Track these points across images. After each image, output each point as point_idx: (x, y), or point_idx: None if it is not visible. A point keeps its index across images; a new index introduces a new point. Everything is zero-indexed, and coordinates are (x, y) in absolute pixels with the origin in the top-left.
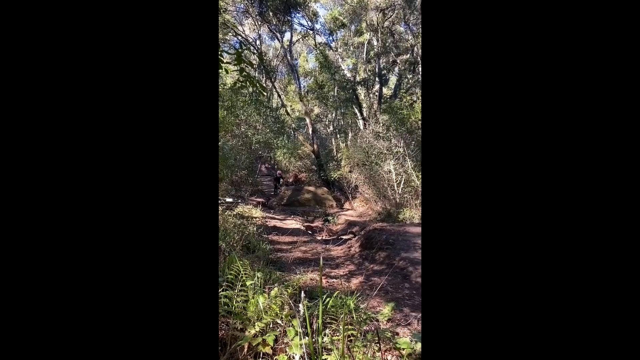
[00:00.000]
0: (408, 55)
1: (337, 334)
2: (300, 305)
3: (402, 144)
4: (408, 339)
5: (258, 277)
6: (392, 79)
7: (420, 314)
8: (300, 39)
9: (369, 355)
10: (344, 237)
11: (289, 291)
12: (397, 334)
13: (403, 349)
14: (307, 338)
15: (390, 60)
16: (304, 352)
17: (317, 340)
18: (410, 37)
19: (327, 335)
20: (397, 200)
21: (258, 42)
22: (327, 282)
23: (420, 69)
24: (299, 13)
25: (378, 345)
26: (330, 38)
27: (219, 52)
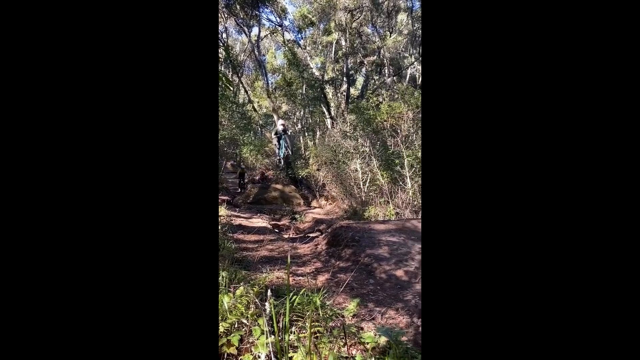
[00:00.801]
0: (375, 57)
1: (304, 332)
2: (267, 303)
3: (368, 144)
4: (372, 333)
5: (223, 277)
6: (360, 80)
7: (384, 308)
8: (269, 35)
9: (334, 350)
10: (311, 235)
11: (255, 290)
12: (362, 328)
13: (367, 343)
14: (273, 337)
15: (358, 61)
16: (269, 351)
17: (284, 338)
18: (377, 40)
19: (294, 333)
20: (363, 198)
21: (224, 35)
22: (294, 280)
23: (386, 70)
24: (267, 8)
25: (344, 340)
26: (299, 35)
27: None
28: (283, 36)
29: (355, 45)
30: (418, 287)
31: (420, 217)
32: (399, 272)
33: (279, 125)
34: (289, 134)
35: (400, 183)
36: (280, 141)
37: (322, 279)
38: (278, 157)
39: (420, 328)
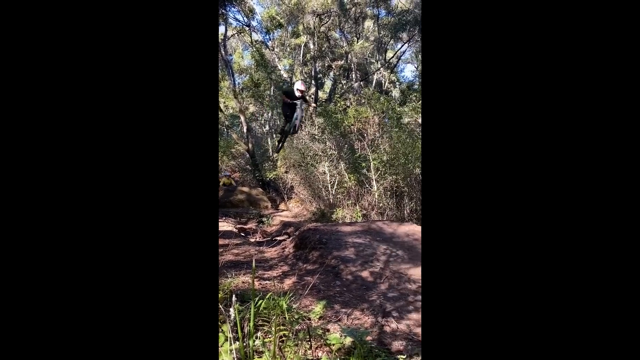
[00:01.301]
0: (342, 62)
1: (269, 336)
2: (231, 309)
3: (336, 147)
4: (338, 335)
5: None
6: (328, 83)
7: (350, 309)
8: (236, 34)
9: (300, 354)
10: (278, 238)
11: (220, 295)
12: (328, 330)
13: (333, 344)
14: (237, 343)
15: (326, 64)
16: (234, 357)
17: (249, 343)
18: (344, 44)
19: (259, 338)
20: (331, 200)
21: None
22: (260, 284)
23: (353, 75)
24: (234, 7)
25: (309, 343)
26: (267, 37)
27: None
28: (251, 36)
29: (323, 49)
30: (383, 287)
31: (385, 219)
32: (365, 273)
33: (298, 88)
34: (307, 99)
35: (367, 186)
36: (297, 109)
37: (289, 282)
38: (287, 127)
39: (384, 327)
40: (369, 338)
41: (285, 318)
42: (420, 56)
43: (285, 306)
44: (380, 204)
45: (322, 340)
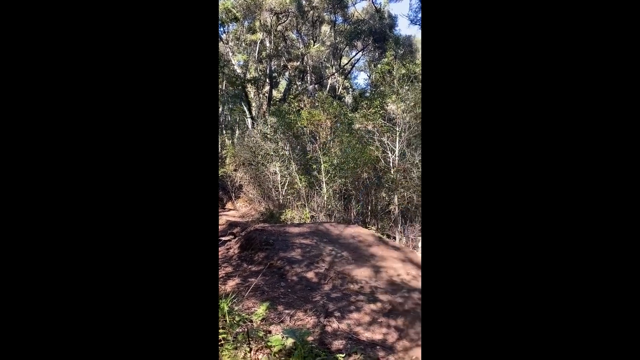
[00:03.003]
0: (298, 63)
1: None
2: None
3: (288, 147)
4: (279, 336)
5: None
6: (283, 83)
7: (294, 310)
8: None
9: (240, 356)
10: (224, 238)
11: None
12: (270, 332)
13: (274, 346)
14: None
15: (282, 64)
16: None
17: None
18: (301, 46)
19: None
20: (281, 201)
21: None
22: None
23: (308, 78)
24: None
25: (249, 346)
26: (222, 29)
27: None
28: None
29: (279, 48)
30: (327, 288)
31: (332, 220)
32: (310, 274)
33: None
34: None
35: (317, 187)
36: None
37: (232, 283)
38: None
39: (326, 327)
40: (310, 338)
41: (225, 321)
42: (372, 65)
43: (226, 308)
44: (329, 206)
45: (262, 343)
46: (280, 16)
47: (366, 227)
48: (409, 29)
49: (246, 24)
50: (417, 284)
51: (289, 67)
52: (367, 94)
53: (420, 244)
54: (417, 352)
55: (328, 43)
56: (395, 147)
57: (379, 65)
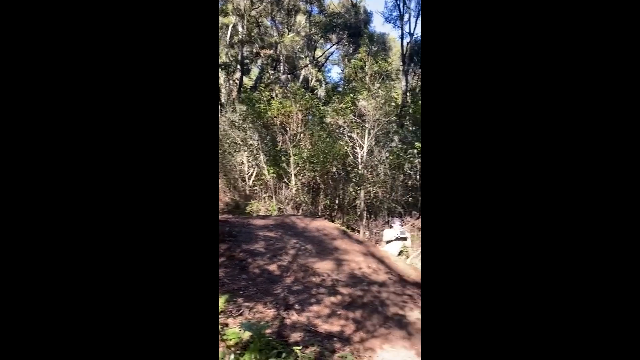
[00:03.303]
0: (271, 51)
1: None
2: None
3: (257, 137)
4: (237, 329)
5: None
6: (255, 71)
7: (253, 303)
8: None
9: None
10: None
11: None
12: (227, 325)
13: (230, 340)
14: None
15: (254, 51)
16: None
17: None
18: (275, 34)
19: None
20: (247, 192)
21: None
22: None
23: (281, 67)
24: None
25: None
26: None
27: None
28: None
29: (253, 34)
30: (288, 280)
31: (300, 213)
32: (272, 267)
33: None
34: None
35: (285, 180)
36: None
37: None
38: None
39: (285, 320)
40: (268, 331)
41: None
42: (346, 60)
43: None
44: (297, 199)
45: (219, 336)
46: (254, 0)
47: (332, 221)
48: (384, 27)
49: (219, 4)
50: (377, 277)
51: (261, 54)
52: (340, 89)
53: (384, 238)
54: (373, 343)
55: (303, 33)
56: (364, 143)
57: (352, 61)
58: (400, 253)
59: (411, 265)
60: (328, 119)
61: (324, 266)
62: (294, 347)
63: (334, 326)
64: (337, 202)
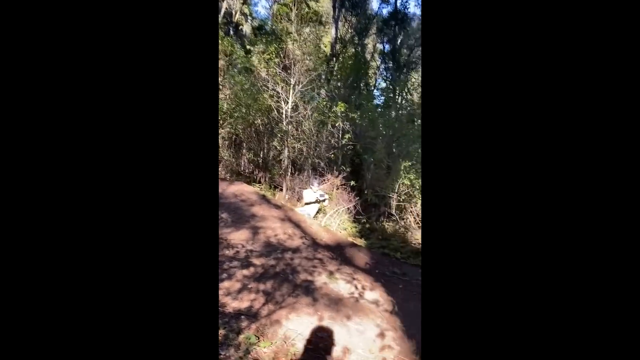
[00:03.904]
0: None
1: None
2: None
3: None
4: None
5: None
6: None
7: None
8: None
9: None
10: None
11: None
12: None
13: None
14: None
15: None
16: None
17: None
18: None
19: None
20: None
21: None
22: None
23: None
24: None
25: None
26: None
27: None
28: None
29: None
30: None
31: (222, 169)
32: None
33: None
34: None
35: None
36: None
37: None
38: None
39: None
40: None
41: None
42: None
43: None
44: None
45: None
46: None
47: (255, 179)
48: None
49: None
50: (292, 242)
51: None
52: (267, 27)
53: (304, 199)
54: (280, 315)
55: None
56: (288, 98)
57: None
58: (318, 212)
59: (324, 227)
60: (252, 68)
61: (239, 236)
62: None
63: (243, 302)
64: (261, 155)
